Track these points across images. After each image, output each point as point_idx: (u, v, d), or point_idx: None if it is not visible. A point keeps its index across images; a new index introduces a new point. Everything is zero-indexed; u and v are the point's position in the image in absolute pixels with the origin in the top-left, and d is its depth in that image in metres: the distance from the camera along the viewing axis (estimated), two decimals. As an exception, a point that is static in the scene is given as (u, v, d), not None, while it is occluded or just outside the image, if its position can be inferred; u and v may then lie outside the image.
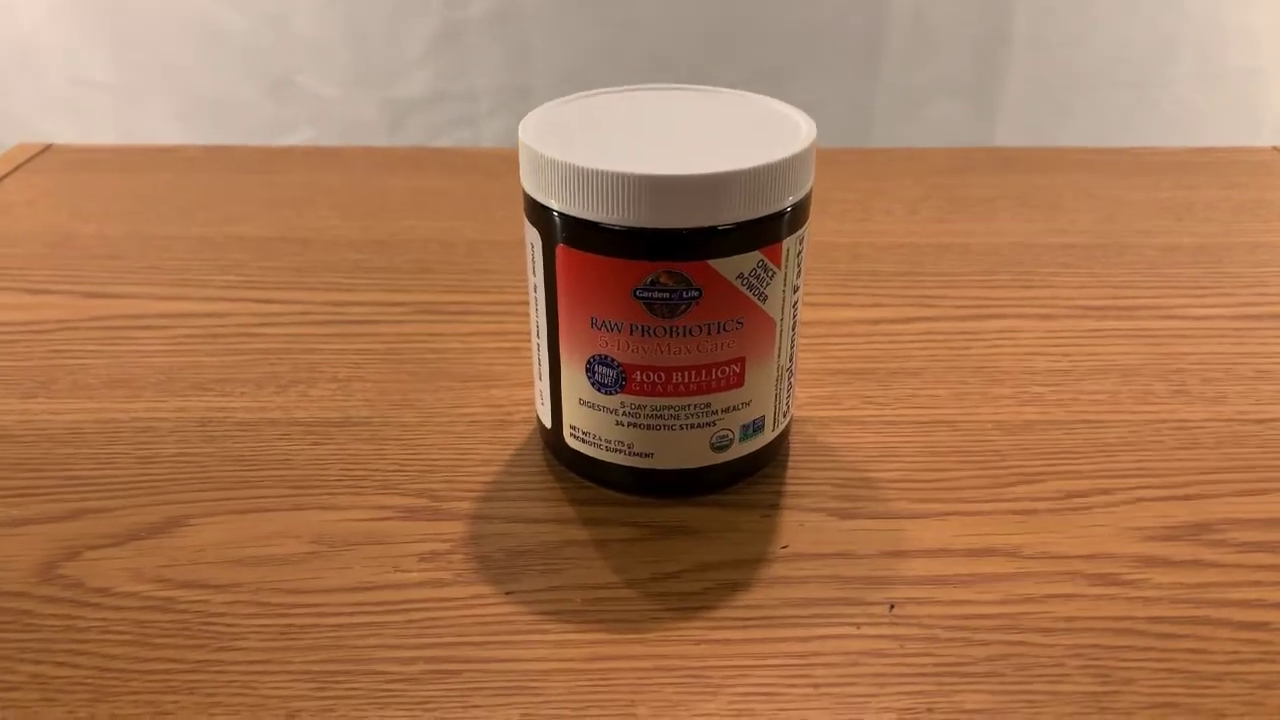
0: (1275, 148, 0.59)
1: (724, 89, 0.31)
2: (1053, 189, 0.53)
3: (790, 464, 0.32)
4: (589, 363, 0.28)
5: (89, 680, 0.25)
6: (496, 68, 0.93)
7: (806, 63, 0.97)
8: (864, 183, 0.54)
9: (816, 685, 0.24)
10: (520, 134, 0.28)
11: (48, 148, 0.59)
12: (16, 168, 0.56)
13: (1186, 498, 0.31)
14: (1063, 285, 0.43)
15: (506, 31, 0.92)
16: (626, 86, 0.31)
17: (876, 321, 0.41)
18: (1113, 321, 0.41)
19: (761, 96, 0.31)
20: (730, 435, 0.29)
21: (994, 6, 0.95)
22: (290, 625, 0.26)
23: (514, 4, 0.91)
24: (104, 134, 0.96)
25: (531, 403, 0.35)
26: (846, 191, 0.53)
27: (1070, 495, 0.31)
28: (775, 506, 0.30)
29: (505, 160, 0.57)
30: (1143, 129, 0.98)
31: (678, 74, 0.96)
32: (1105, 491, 0.31)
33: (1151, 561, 0.28)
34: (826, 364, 0.38)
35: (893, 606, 0.26)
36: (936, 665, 0.25)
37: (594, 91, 0.31)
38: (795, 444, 0.33)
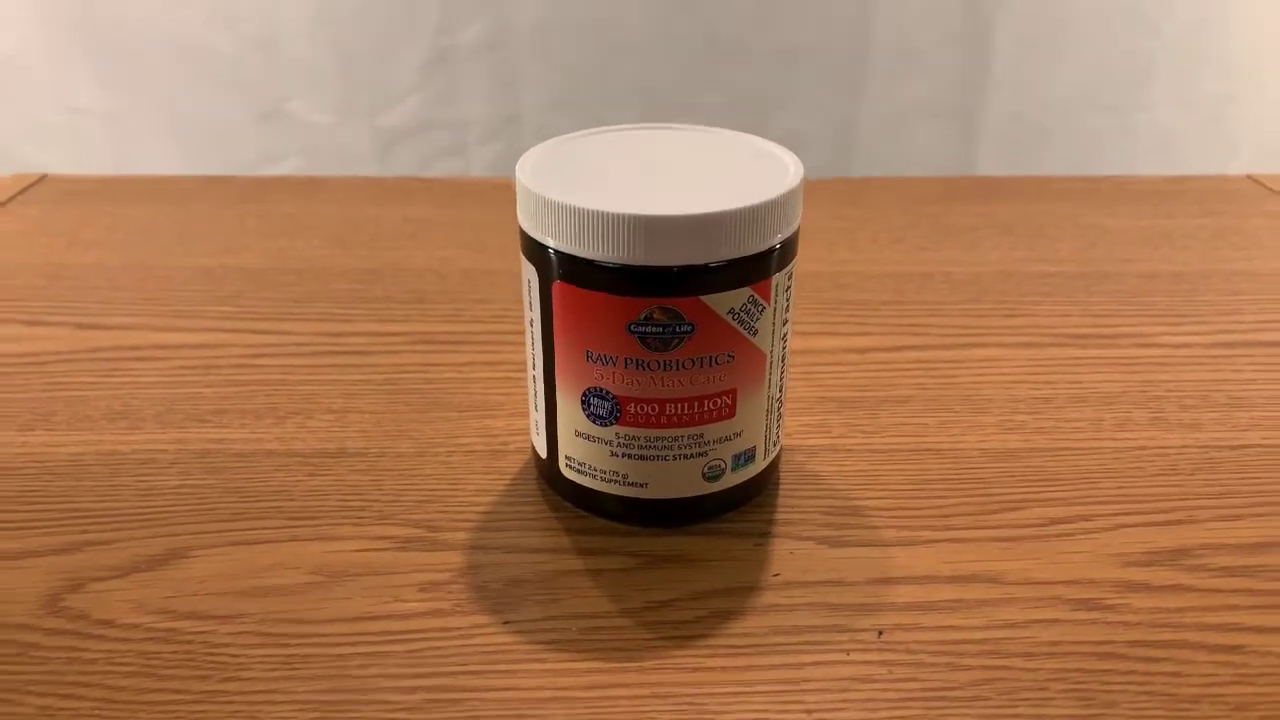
0: (1249, 176, 0.60)
1: (714, 128, 0.32)
2: (1035, 218, 0.55)
3: (781, 492, 0.33)
4: (584, 395, 0.29)
5: (96, 712, 0.25)
6: (486, 95, 0.94)
7: (791, 87, 0.98)
8: (850, 211, 0.55)
9: (809, 711, 0.25)
10: (517, 173, 0.29)
11: (43, 178, 0.60)
12: (11, 198, 0.57)
13: (1165, 524, 0.32)
14: (1045, 314, 0.45)
15: (495, 59, 0.93)
16: (620, 126, 0.32)
17: (864, 350, 0.42)
18: (1093, 350, 0.42)
19: (750, 136, 0.32)
20: (722, 465, 0.30)
21: (975, 31, 0.97)
22: (293, 655, 0.27)
23: (502, 31, 0.93)
24: (91, 161, 0.97)
25: (526, 432, 0.36)
26: (834, 220, 0.54)
27: (1053, 522, 0.32)
28: (767, 535, 0.31)
29: (497, 189, 0.58)
30: (1120, 153, 1.00)
31: (663, 100, 0.97)
32: (1086, 518, 0.32)
33: (1132, 587, 0.29)
34: (816, 392, 0.39)
35: (881, 633, 0.27)
36: (924, 690, 0.26)
37: (588, 131, 0.32)
38: (786, 472, 0.34)
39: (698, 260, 0.27)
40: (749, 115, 0.98)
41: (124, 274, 0.48)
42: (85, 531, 0.31)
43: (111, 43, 0.92)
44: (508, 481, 0.33)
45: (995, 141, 1.01)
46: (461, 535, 0.31)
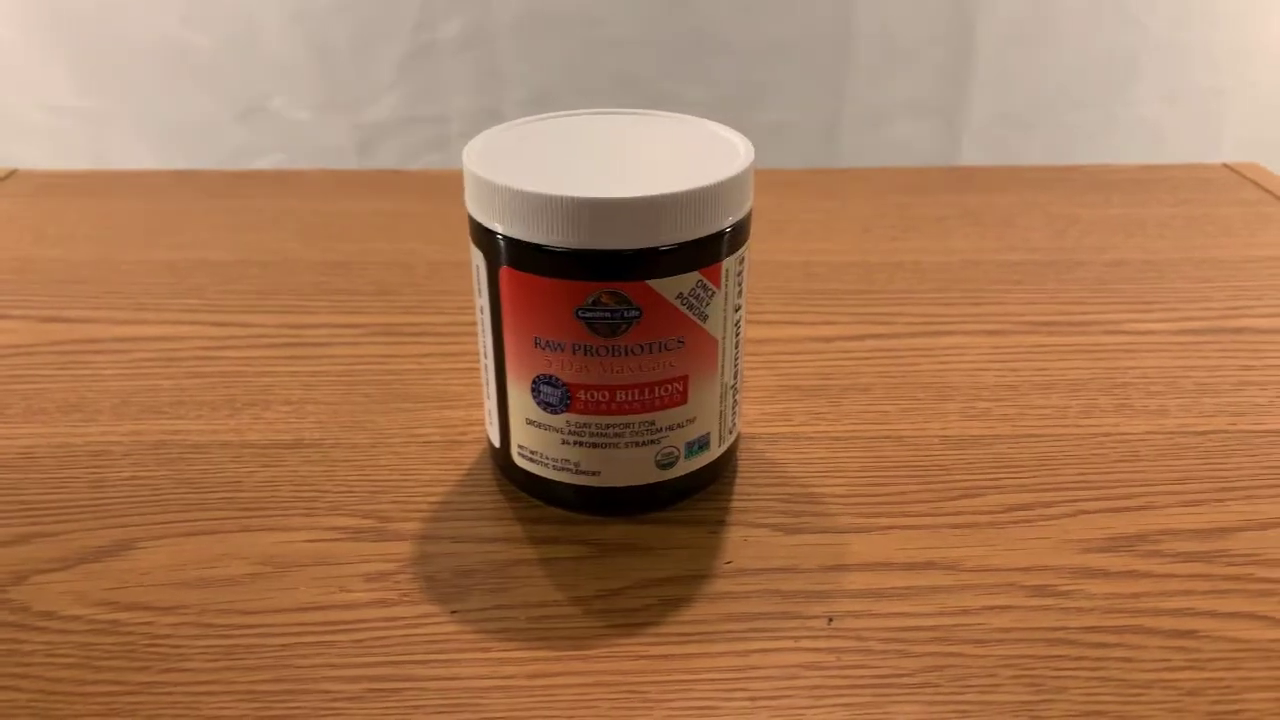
0: (1226, 164, 0.60)
1: (666, 113, 0.32)
2: (1006, 207, 0.54)
3: (738, 480, 0.33)
4: (534, 382, 0.29)
5: (32, 704, 0.25)
6: (466, 90, 0.94)
7: (774, 83, 0.98)
8: (822, 203, 0.55)
9: (753, 699, 0.25)
10: (464, 159, 0.28)
11: (12, 173, 0.59)
12: (-20, 193, 0.56)
13: (1125, 509, 0.31)
14: (1013, 302, 0.44)
15: (475, 54, 0.93)
16: (572, 111, 0.32)
17: (830, 339, 0.41)
18: (1060, 337, 0.41)
19: (703, 120, 0.31)
20: (675, 453, 0.30)
21: (958, 26, 0.96)
22: (235, 646, 0.26)
23: (482, 26, 0.92)
24: (71, 159, 0.96)
25: (483, 422, 0.35)
26: (805, 212, 0.54)
27: (1011, 508, 0.31)
28: (722, 522, 0.31)
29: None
30: (1106, 147, 1.00)
31: (646, 95, 0.96)
32: (1046, 504, 0.32)
33: (1088, 573, 0.29)
34: (779, 381, 0.38)
35: (831, 620, 0.27)
36: (872, 677, 0.25)
37: (539, 116, 0.31)
38: (744, 460, 0.34)
39: (643, 244, 0.26)
40: (733, 110, 0.98)
41: (87, 268, 0.48)
42: (33, 524, 0.31)
43: (91, 42, 0.92)
44: (463, 472, 0.33)
45: (979, 137, 1.01)
46: (413, 525, 0.31)
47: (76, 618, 0.27)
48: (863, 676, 0.25)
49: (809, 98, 0.99)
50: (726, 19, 0.95)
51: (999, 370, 0.39)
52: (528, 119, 0.31)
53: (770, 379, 0.38)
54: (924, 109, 1.00)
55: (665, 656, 0.26)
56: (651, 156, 0.30)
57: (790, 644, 0.26)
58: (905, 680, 0.25)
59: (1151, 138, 1.00)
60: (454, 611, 0.27)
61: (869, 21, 0.96)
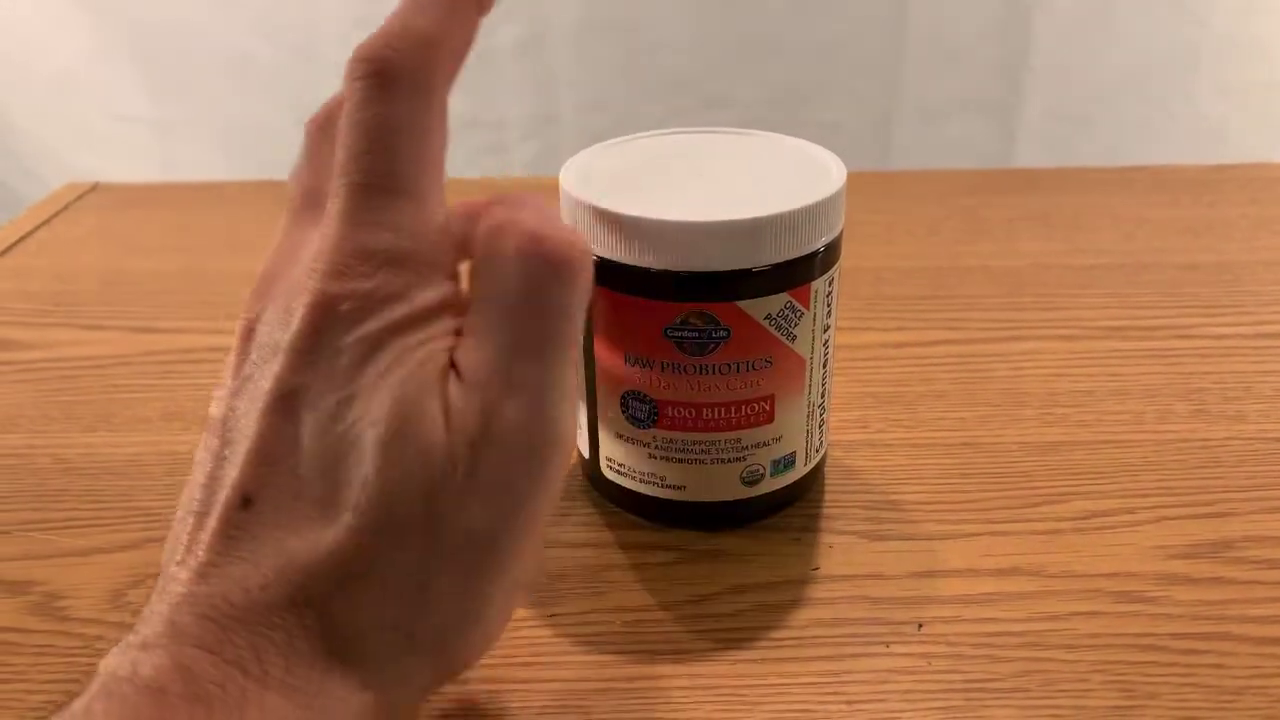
0: (1295, 163, 0.60)
1: (756, 131, 0.32)
2: (1072, 209, 0.54)
3: (820, 487, 0.33)
4: (624, 398, 0.30)
5: (161, 702, 0.26)
6: (524, 95, 0.95)
7: (826, 82, 0.98)
8: (886, 204, 0.55)
9: (850, 702, 0.25)
10: (560, 180, 0.29)
11: (95, 186, 0.61)
12: (66, 206, 0.58)
13: (1208, 516, 0.32)
14: (1084, 306, 0.44)
15: (532, 59, 0.94)
16: (661, 130, 0.33)
17: (901, 345, 0.42)
18: (1134, 342, 0.42)
19: (790, 138, 0.32)
20: (761, 470, 0.30)
21: (1013, 23, 0.96)
22: (347, 648, 0.27)
23: (539, 32, 0.94)
24: (141, 166, 0.99)
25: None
26: (869, 214, 0.54)
27: (1094, 515, 0.32)
28: (807, 529, 0.31)
29: (538, 189, 0.59)
30: (1163, 143, 0.99)
31: (699, 96, 0.97)
32: (1128, 511, 0.32)
33: (1174, 579, 0.29)
34: (853, 388, 0.39)
35: (921, 626, 0.28)
36: (964, 682, 0.26)
37: (630, 137, 0.32)
38: (826, 467, 0.34)
39: (734, 265, 0.27)
40: (785, 109, 0.98)
41: (176, 278, 0.49)
42: (146, 529, 0.32)
43: (160, 53, 0.95)
44: (551, 478, 0.34)
45: (1034, 134, 1.00)
46: (507, 531, 0.32)
47: (196, 620, 0.28)
48: (955, 681, 0.26)
49: (860, 96, 0.99)
50: (777, 19, 0.95)
51: (1073, 376, 0.39)
52: (621, 139, 0.32)
53: (844, 385, 0.39)
54: (978, 106, 1.00)
55: (761, 660, 0.27)
56: (743, 177, 0.30)
57: (882, 649, 0.27)
58: (997, 685, 0.26)
59: (1211, 134, 0.99)
60: (552, 615, 0.28)
61: (921, 18, 0.96)
